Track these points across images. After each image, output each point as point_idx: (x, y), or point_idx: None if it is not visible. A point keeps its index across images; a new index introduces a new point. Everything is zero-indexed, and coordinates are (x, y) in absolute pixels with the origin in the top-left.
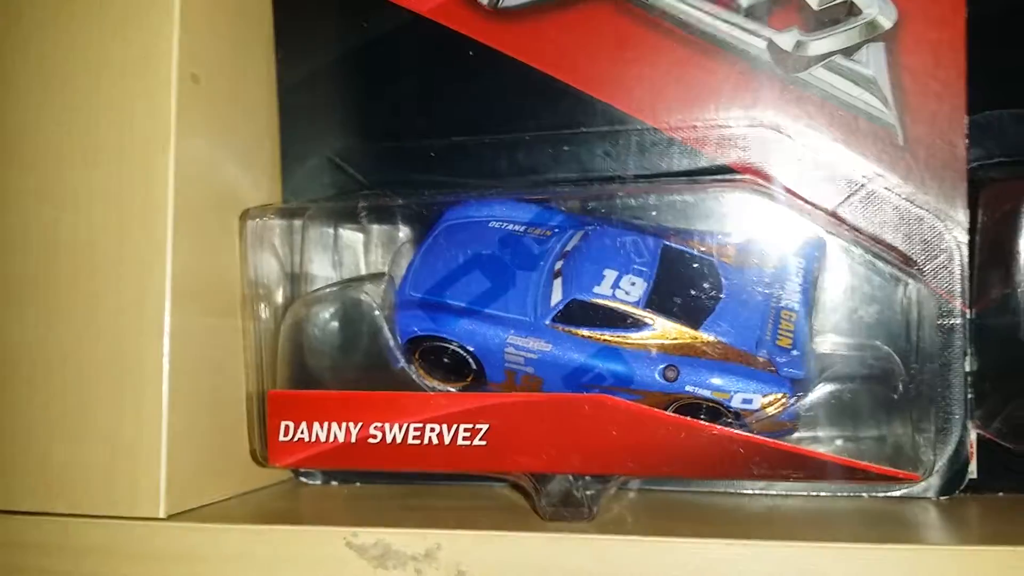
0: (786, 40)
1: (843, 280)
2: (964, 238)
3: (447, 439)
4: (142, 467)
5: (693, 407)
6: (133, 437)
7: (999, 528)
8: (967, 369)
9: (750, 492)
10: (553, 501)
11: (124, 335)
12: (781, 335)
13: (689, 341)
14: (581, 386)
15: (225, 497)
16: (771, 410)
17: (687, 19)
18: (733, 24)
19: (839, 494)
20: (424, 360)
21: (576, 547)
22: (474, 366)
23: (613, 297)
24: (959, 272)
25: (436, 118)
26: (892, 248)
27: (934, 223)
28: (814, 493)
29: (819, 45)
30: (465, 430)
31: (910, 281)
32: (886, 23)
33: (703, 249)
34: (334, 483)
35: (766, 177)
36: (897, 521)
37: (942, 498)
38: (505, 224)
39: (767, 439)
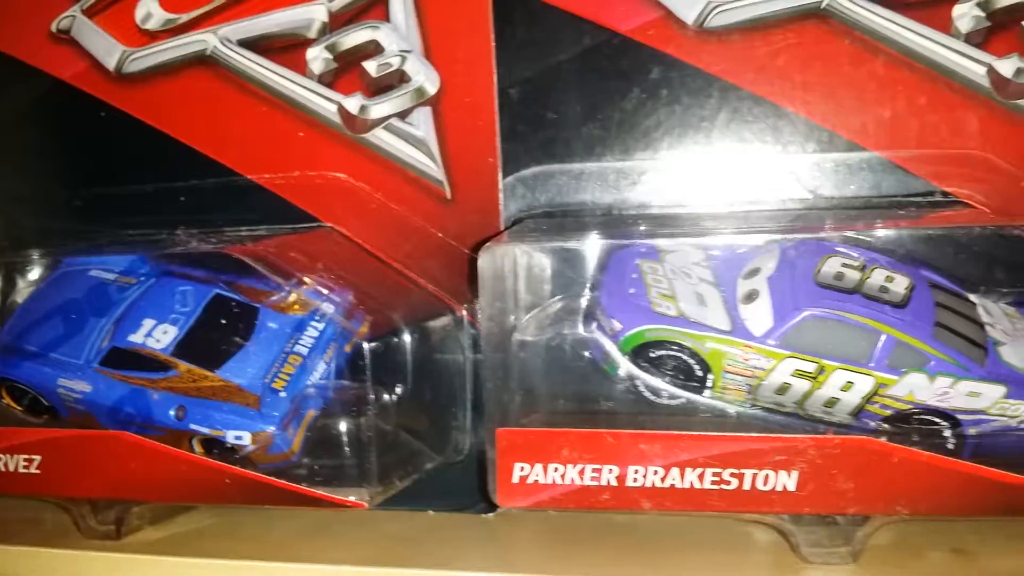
0: (352, 104)
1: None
2: None
3: (12, 467)
4: None
5: (214, 441)
6: None
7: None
8: None
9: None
10: (92, 523)
11: None
12: (279, 377)
13: (208, 383)
14: (120, 423)
15: None
16: (259, 445)
17: (271, 83)
18: (309, 89)
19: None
20: (12, 396)
21: (93, 563)
22: (46, 403)
23: (144, 345)
24: None
25: (80, 171)
26: (440, 291)
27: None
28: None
29: (379, 109)
30: (24, 460)
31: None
32: (431, 89)
33: (267, 298)
34: None
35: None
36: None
37: (489, 515)
38: (101, 272)
39: (242, 470)
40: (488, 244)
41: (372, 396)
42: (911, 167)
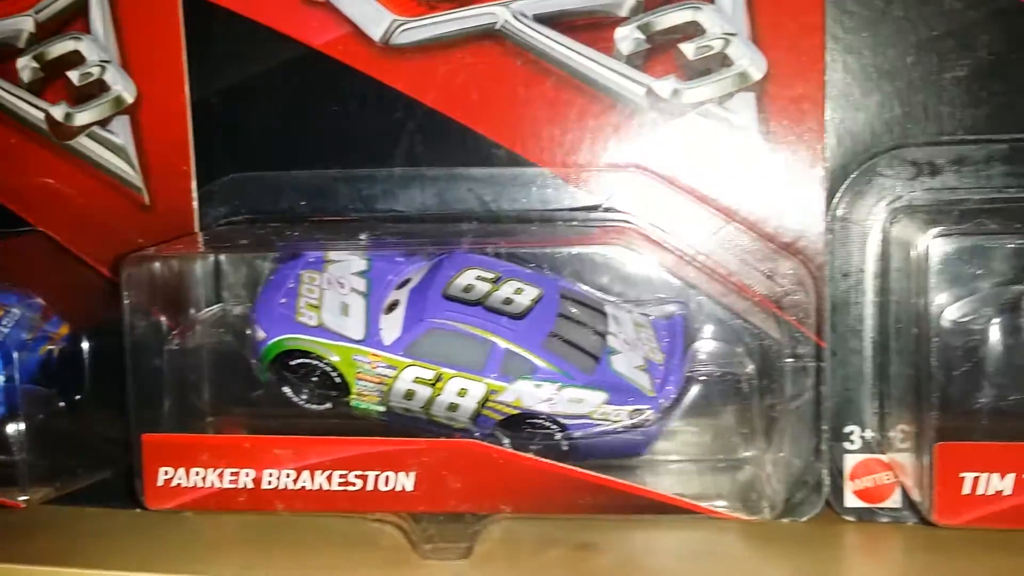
0: (58, 112)
1: None
2: None
3: None
4: None
5: None
6: None
7: None
8: None
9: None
10: None
11: None
12: None
13: None
14: None
15: None
16: None
17: None
18: (18, 97)
19: None
20: None
21: None
22: None
23: None
24: None
25: None
26: None
27: None
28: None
29: (82, 117)
30: None
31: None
32: (128, 98)
33: None
34: None
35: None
36: None
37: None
38: None
39: None
40: (131, 255)
41: (47, 399)
42: (578, 184)
